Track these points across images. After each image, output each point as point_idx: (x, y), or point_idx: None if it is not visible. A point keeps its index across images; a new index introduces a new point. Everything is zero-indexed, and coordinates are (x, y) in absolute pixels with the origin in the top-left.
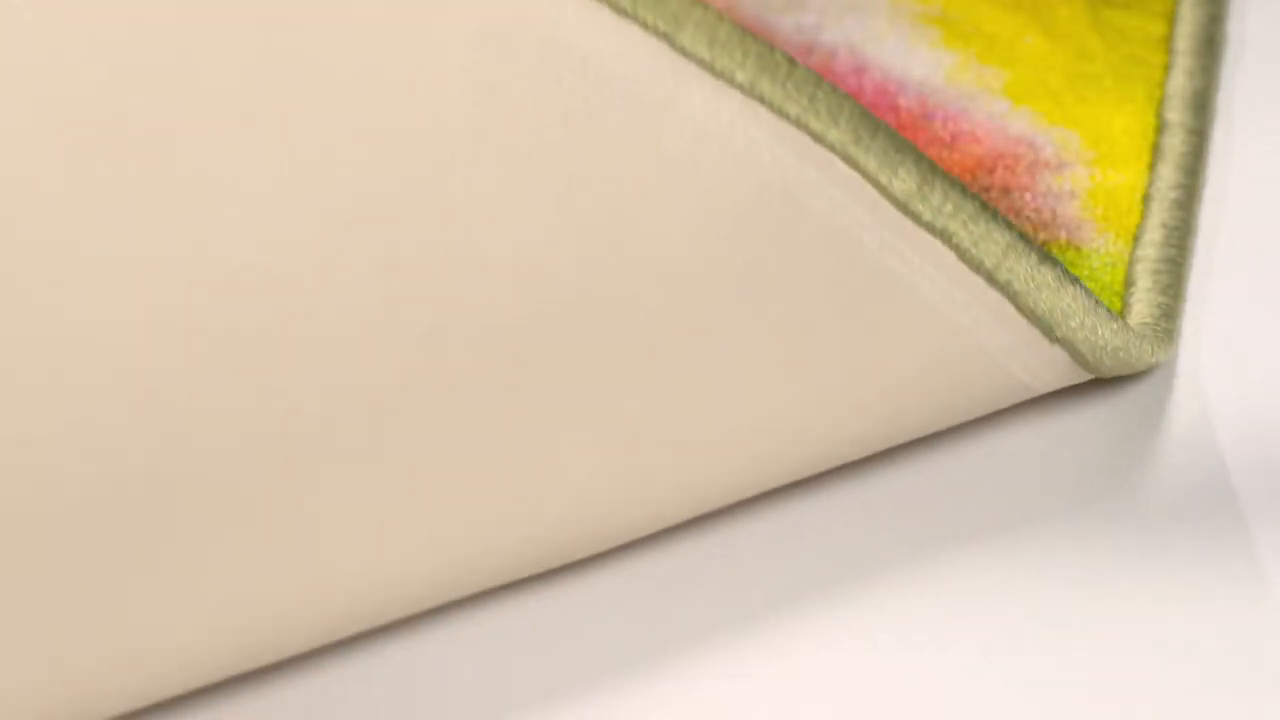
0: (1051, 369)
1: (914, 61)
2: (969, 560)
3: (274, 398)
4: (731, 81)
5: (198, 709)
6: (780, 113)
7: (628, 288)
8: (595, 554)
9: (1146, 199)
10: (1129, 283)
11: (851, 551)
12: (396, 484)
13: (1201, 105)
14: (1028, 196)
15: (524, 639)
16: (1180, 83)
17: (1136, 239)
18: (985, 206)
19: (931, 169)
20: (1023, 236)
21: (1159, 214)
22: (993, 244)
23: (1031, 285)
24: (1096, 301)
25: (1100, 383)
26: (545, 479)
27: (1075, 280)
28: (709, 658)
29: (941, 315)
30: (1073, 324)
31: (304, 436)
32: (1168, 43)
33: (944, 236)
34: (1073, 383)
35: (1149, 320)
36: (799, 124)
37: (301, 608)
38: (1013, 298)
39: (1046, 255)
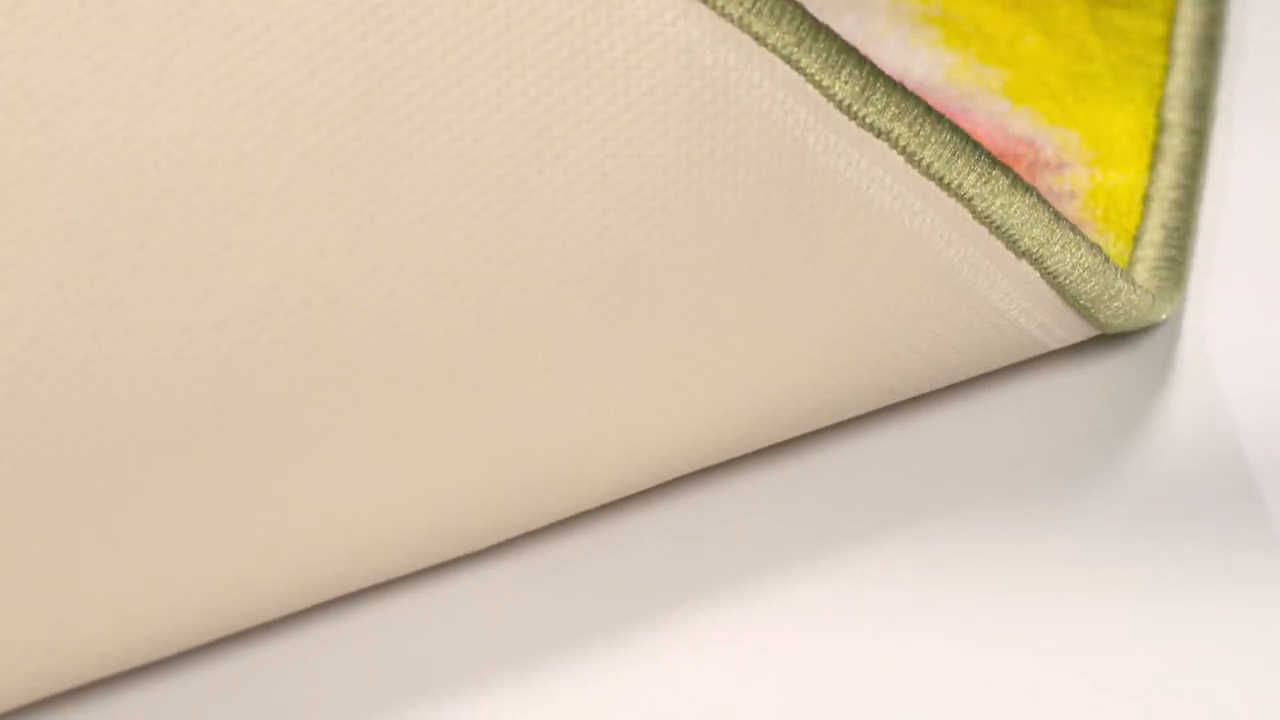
0: (1028, 294)
1: (914, 61)
2: (958, 530)
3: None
4: None
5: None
6: (723, 14)
7: (567, 189)
8: (546, 524)
9: (1146, 199)
10: None
11: (829, 524)
12: (371, 438)
13: (1201, 105)
14: None
15: (490, 605)
16: (1180, 83)
17: (1136, 239)
18: (930, 110)
19: (875, 72)
20: (973, 141)
21: (1159, 214)
22: (940, 146)
23: (986, 190)
24: (1059, 216)
25: (1101, 382)
26: (498, 422)
27: (1033, 190)
28: (684, 622)
29: (896, 221)
30: (1036, 234)
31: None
32: (1168, 43)
33: (889, 139)
34: (1058, 322)
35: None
36: (741, 25)
37: (284, 567)
38: (967, 203)
39: (999, 161)
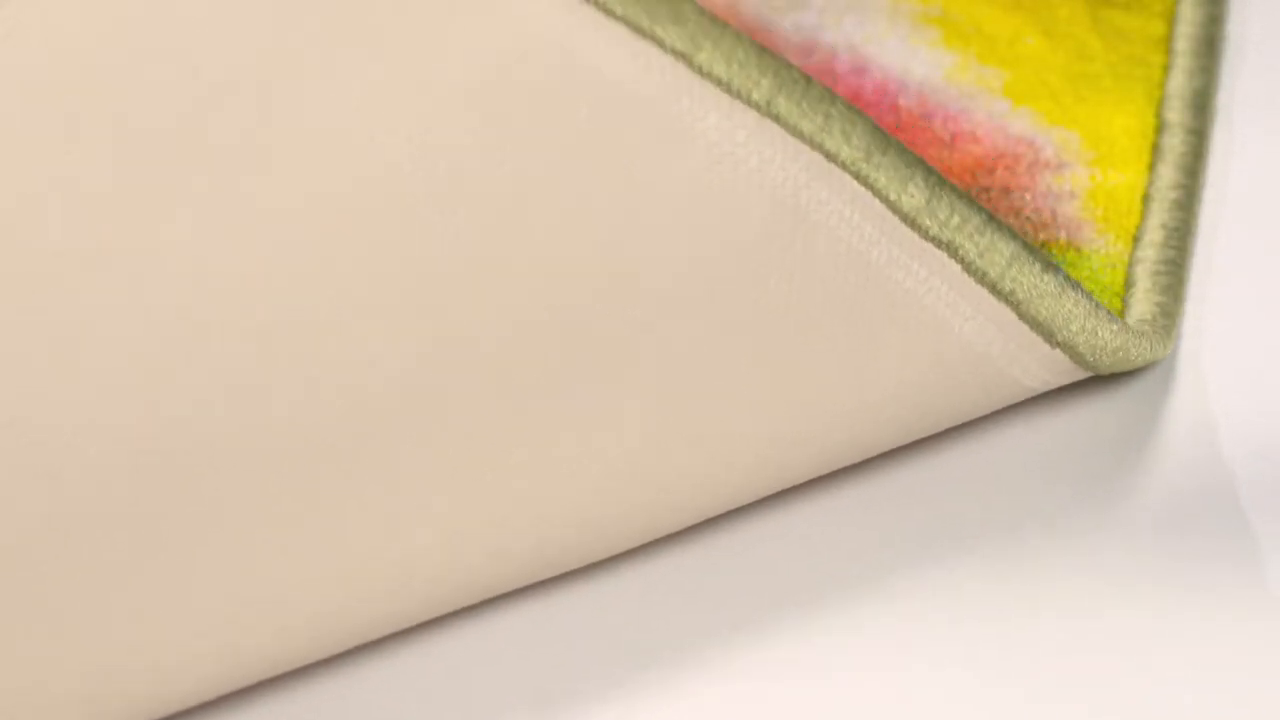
0: (1051, 370)
1: (914, 61)
2: (966, 563)
3: (280, 403)
4: (748, 100)
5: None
6: (794, 131)
7: (640, 306)
8: (597, 560)
9: (1146, 199)
10: (1129, 284)
11: (847, 557)
12: (399, 491)
13: (1201, 105)
14: (1028, 197)
15: (530, 643)
16: (1180, 83)
17: (1136, 240)
18: (991, 218)
19: (940, 183)
20: (1027, 246)
21: (1159, 214)
22: (998, 255)
23: (1035, 294)
24: (1097, 305)
25: (1101, 385)
26: (555, 484)
27: (1077, 286)
28: (706, 662)
29: (946, 325)
30: (1073, 328)
31: (310, 442)
32: (1168, 43)
33: (950, 249)
34: (1072, 380)
35: (1148, 319)
36: (812, 143)
37: (310, 614)
38: (1015, 306)
39: (1050, 263)
